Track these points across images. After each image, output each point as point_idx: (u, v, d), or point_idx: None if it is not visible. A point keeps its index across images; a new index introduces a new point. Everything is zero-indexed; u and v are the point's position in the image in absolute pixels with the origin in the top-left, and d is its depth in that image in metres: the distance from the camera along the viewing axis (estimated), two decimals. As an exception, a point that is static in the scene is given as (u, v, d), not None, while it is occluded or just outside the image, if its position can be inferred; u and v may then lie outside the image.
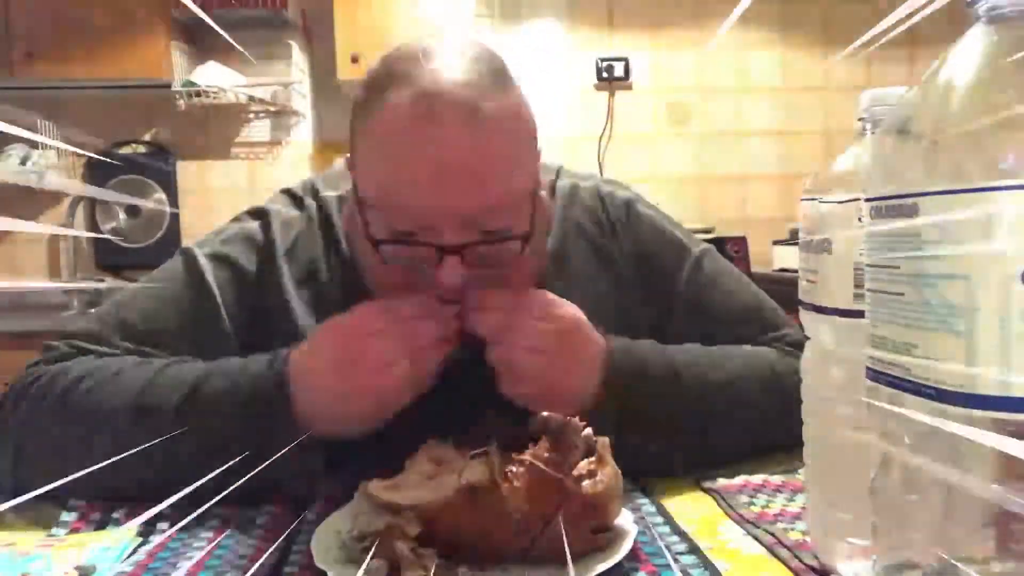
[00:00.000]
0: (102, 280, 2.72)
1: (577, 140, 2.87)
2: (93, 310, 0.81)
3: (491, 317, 0.70)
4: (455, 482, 0.53)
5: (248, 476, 0.57)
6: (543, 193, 0.81)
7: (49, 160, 2.63)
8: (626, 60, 2.90)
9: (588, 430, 0.57)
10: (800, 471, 0.70)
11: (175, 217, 2.78)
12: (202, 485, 0.52)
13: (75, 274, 2.70)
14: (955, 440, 0.35)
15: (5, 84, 2.48)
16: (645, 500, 0.67)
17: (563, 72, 2.88)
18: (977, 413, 0.35)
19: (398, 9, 2.53)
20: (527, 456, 0.55)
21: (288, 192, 0.89)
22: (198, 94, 2.56)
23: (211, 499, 0.61)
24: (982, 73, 0.36)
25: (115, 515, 0.66)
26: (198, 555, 0.58)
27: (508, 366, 0.70)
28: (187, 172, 2.81)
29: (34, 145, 2.61)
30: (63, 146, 2.50)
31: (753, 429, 0.76)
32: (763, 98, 2.96)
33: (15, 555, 0.58)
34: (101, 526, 0.65)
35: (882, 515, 0.41)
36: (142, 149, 2.78)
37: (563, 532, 0.52)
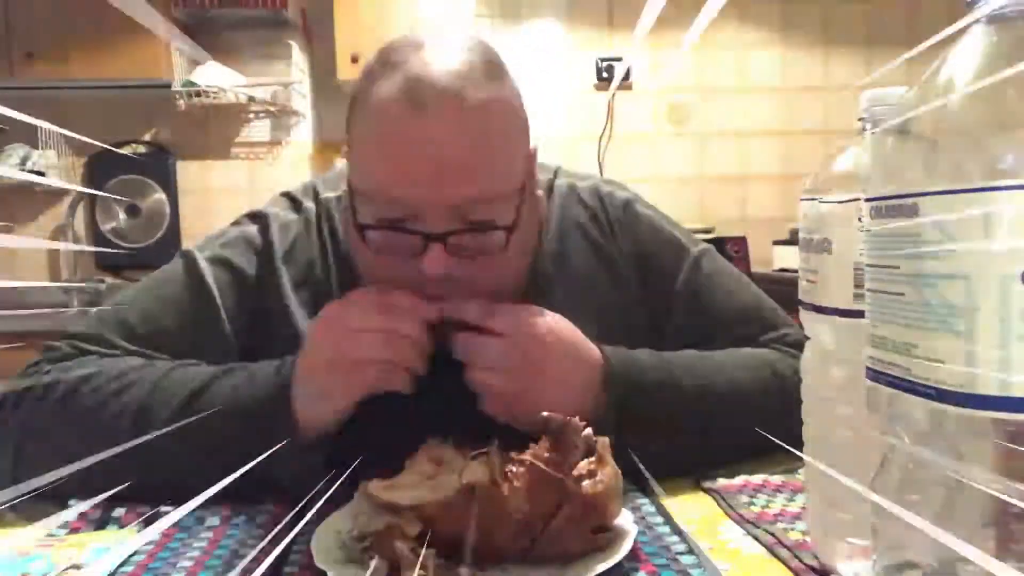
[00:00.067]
0: (102, 280, 2.72)
1: (577, 140, 2.87)
2: (94, 311, 0.81)
3: (460, 338, 0.70)
4: (455, 482, 0.53)
5: (242, 471, 0.57)
6: (540, 192, 0.81)
7: (49, 160, 2.63)
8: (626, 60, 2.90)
9: (588, 430, 0.57)
10: (800, 471, 0.70)
11: (175, 217, 2.78)
12: (203, 485, 0.52)
13: (75, 274, 2.70)
14: (955, 440, 0.35)
15: (5, 84, 2.48)
16: (645, 500, 0.67)
17: (563, 72, 2.88)
18: (977, 413, 0.35)
19: (398, 9, 2.53)
20: (527, 456, 0.55)
21: (287, 195, 0.89)
22: (198, 94, 2.56)
23: (211, 497, 0.61)
24: (982, 73, 0.36)
25: (115, 514, 0.66)
26: (198, 555, 0.58)
27: (479, 387, 0.70)
28: (187, 172, 2.81)
29: (34, 145, 2.61)
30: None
31: (754, 431, 0.76)
32: (763, 98, 2.96)
33: (15, 555, 0.58)
34: (101, 526, 0.65)
35: (882, 515, 0.41)
36: (142, 149, 2.78)
37: (564, 532, 0.52)
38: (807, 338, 0.53)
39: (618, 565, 0.53)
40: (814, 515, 0.54)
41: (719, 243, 2.28)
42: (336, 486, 0.63)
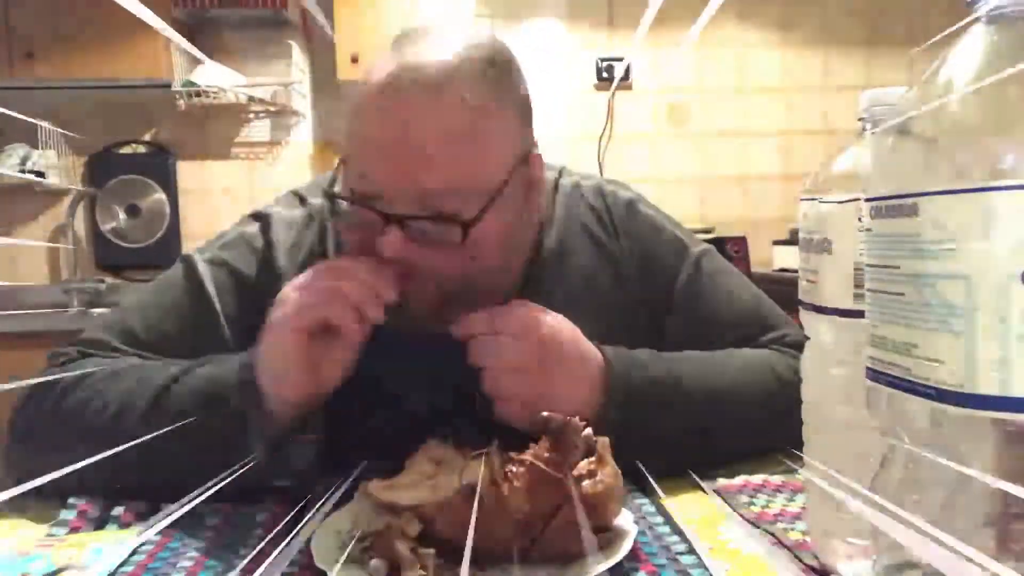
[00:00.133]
0: (102, 280, 2.72)
1: (577, 140, 2.87)
2: (99, 317, 0.83)
3: (473, 344, 0.70)
4: (455, 482, 0.53)
5: (241, 464, 0.58)
6: (542, 191, 0.81)
7: (49, 160, 2.63)
8: (626, 60, 2.90)
9: (588, 430, 0.57)
10: (800, 471, 0.70)
11: (175, 217, 2.78)
12: (185, 472, 0.53)
13: (75, 274, 2.70)
14: (955, 440, 0.35)
15: (5, 84, 2.48)
16: (645, 500, 0.67)
17: (563, 72, 2.88)
18: (977, 413, 0.35)
19: (398, 9, 2.53)
20: (527, 456, 0.55)
21: (294, 192, 0.90)
22: (198, 94, 2.56)
23: (211, 495, 0.62)
24: (982, 73, 0.36)
25: (115, 513, 0.66)
26: (198, 555, 0.58)
27: (494, 390, 0.69)
28: (187, 172, 2.81)
29: (34, 145, 2.61)
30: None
31: (755, 432, 0.76)
32: (763, 98, 2.96)
33: (15, 555, 0.58)
34: (101, 525, 0.65)
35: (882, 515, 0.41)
36: (142, 149, 2.78)
37: (563, 532, 0.52)
38: (807, 338, 0.53)
39: (618, 565, 0.53)
40: (814, 515, 0.54)
41: (719, 243, 2.28)
42: (335, 488, 0.63)
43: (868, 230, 0.41)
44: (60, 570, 0.55)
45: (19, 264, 2.77)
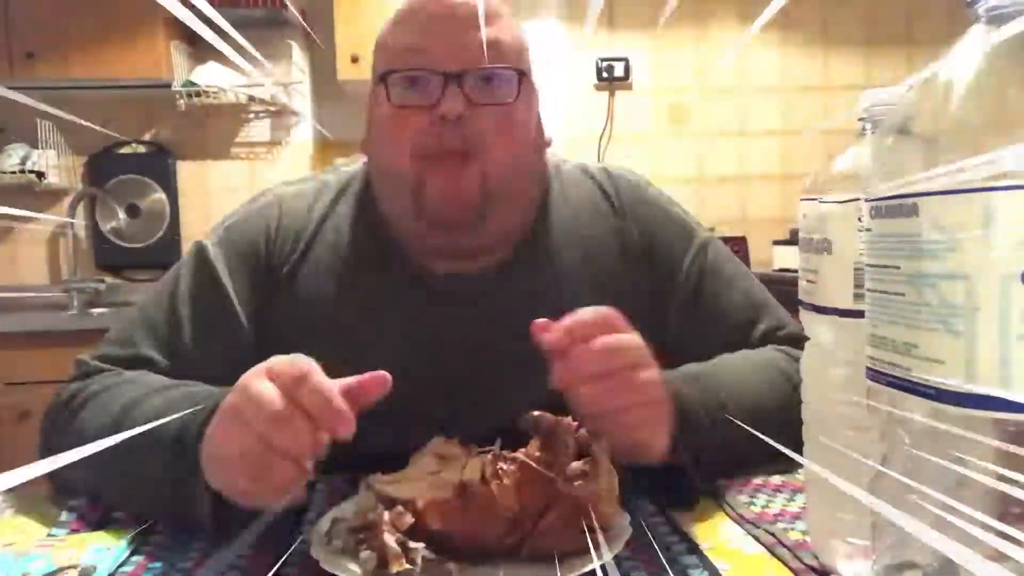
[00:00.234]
0: (102, 280, 2.72)
1: (577, 140, 2.87)
2: (122, 313, 0.85)
3: (559, 366, 0.59)
4: (456, 479, 0.53)
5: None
6: (545, 136, 0.87)
7: (49, 160, 2.63)
8: (626, 60, 2.90)
9: (582, 430, 0.57)
10: (800, 471, 0.70)
11: (175, 217, 2.78)
12: (119, 502, 0.56)
13: (75, 274, 2.70)
14: (955, 440, 0.35)
15: (5, 84, 2.48)
16: (645, 500, 0.67)
17: (563, 72, 2.88)
18: (977, 413, 0.35)
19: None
20: (519, 454, 0.55)
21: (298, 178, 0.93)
22: (198, 94, 2.56)
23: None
24: (982, 73, 0.36)
25: (115, 515, 0.66)
26: (198, 555, 0.59)
27: (589, 405, 0.60)
28: (187, 172, 2.81)
29: (34, 145, 2.61)
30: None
31: (773, 434, 0.74)
32: (763, 98, 2.96)
33: (15, 555, 0.58)
34: (101, 526, 0.65)
35: (882, 515, 0.41)
36: (142, 149, 2.78)
37: (554, 531, 0.52)
38: (805, 335, 0.53)
39: (618, 565, 0.53)
40: (814, 515, 0.54)
41: (719, 243, 2.28)
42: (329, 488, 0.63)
43: (868, 230, 0.41)
44: (60, 570, 0.56)
45: (19, 264, 2.77)
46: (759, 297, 0.89)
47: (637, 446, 0.62)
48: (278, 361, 0.56)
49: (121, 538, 0.61)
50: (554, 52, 2.87)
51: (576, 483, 0.54)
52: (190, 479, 0.59)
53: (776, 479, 0.71)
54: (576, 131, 2.87)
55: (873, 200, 0.40)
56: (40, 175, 2.59)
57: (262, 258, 0.83)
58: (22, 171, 2.57)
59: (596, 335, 0.59)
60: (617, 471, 0.57)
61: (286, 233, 0.84)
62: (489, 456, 0.55)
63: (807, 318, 0.52)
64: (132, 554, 0.59)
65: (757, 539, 0.58)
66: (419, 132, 0.76)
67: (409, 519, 0.52)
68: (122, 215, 2.75)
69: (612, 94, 2.92)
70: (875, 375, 0.41)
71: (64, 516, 0.66)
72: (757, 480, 0.71)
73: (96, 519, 0.66)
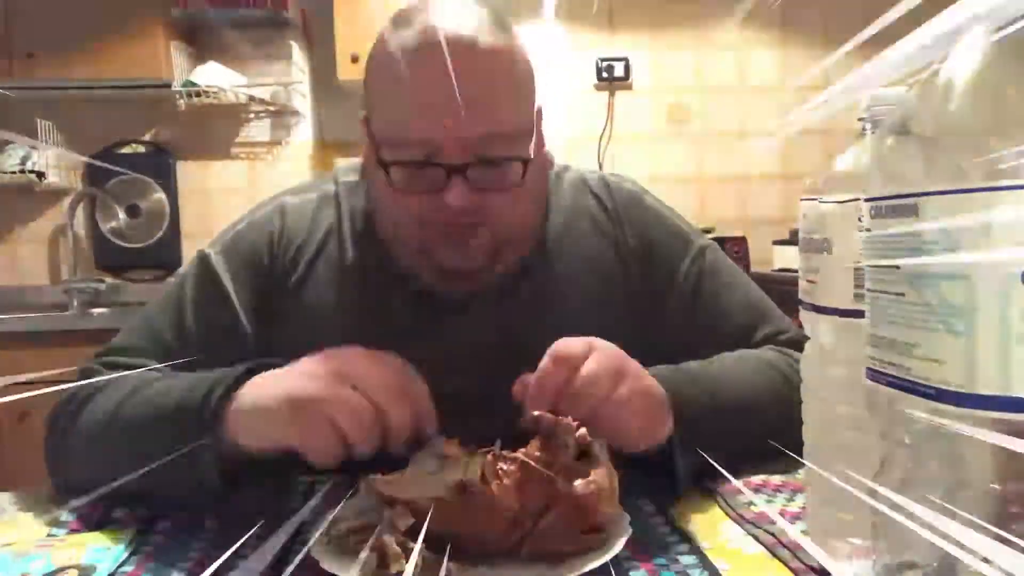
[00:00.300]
0: (102, 280, 2.72)
1: (577, 140, 2.87)
2: (128, 321, 0.85)
3: (566, 396, 0.62)
4: (456, 479, 0.53)
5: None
6: (546, 150, 0.85)
7: (49, 160, 2.63)
8: (626, 60, 2.90)
9: (582, 430, 0.57)
10: (800, 471, 0.70)
11: (175, 217, 2.78)
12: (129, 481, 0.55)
13: (75, 274, 2.70)
14: (955, 440, 0.35)
15: (5, 84, 2.48)
16: (645, 500, 0.67)
17: (563, 72, 2.88)
18: (977, 413, 0.35)
19: (397, 9, 2.53)
20: (519, 454, 0.55)
21: (300, 186, 0.92)
22: (198, 94, 2.55)
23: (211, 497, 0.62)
24: (982, 73, 0.36)
25: (115, 515, 0.66)
26: (198, 555, 0.58)
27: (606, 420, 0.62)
28: (187, 172, 2.81)
29: (34, 145, 2.60)
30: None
31: (771, 433, 0.74)
32: (763, 98, 2.96)
33: (15, 555, 0.58)
34: (101, 526, 0.65)
35: (882, 515, 0.41)
36: (142, 149, 2.78)
37: (554, 531, 0.53)
38: (806, 338, 0.53)
39: (618, 565, 0.53)
40: (814, 515, 0.54)
41: (719, 243, 2.28)
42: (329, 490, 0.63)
43: (868, 230, 0.41)
44: (60, 570, 0.56)
45: (19, 264, 2.77)
46: (759, 303, 0.89)
47: (634, 438, 0.64)
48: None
49: (121, 538, 0.61)
50: (554, 52, 2.87)
51: (576, 483, 0.54)
52: (206, 432, 0.62)
53: (776, 479, 0.71)
54: (576, 131, 2.87)
55: (873, 200, 0.40)
56: (40, 175, 2.58)
57: (265, 267, 0.83)
58: (22, 171, 2.56)
59: (563, 379, 0.61)
60: (617, 472, 0.57)
61: (289, 244, 0.84)
62: (489, 456, 0.55)
63: (807, 318, 0.52)
64: (132, 554, 0.59)
65: (757, 539, 0.58)
66: (424, 210, 0.75)
67: (409, 519, 0.52)
68: (122, 215, 2.74)
69: (612, 94, 2.91)
70: (875, 375, 0.41)
71: (64, 516, 0.66)
72: (757, 480, 0.71)
73: (96, 519, 0.66)
